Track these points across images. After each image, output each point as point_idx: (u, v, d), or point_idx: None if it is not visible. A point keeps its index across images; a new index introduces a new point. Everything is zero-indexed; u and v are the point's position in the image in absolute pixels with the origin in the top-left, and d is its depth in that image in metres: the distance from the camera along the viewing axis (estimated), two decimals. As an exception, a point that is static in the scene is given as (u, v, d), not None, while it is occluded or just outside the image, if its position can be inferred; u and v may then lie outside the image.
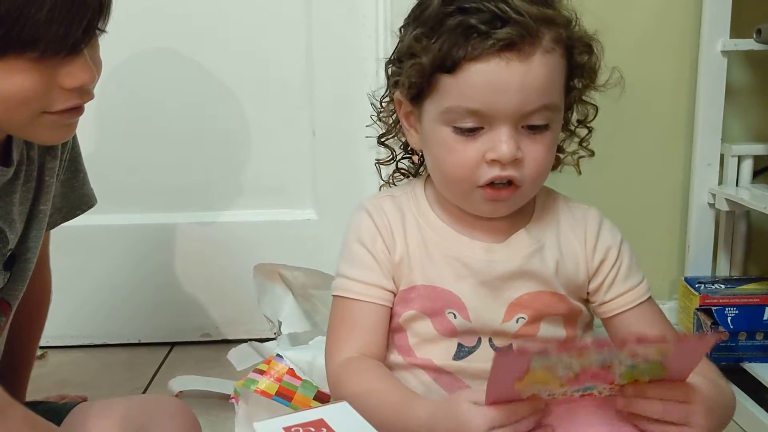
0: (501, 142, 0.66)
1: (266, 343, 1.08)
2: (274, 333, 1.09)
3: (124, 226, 1.35)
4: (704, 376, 0.62)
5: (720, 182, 1.21)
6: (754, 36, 1.11)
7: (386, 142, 0.82)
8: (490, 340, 0.72)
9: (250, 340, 1.35)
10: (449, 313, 0.72)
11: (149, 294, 1.37)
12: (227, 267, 1.37)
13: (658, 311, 0.75)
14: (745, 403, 1.05)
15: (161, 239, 1.37)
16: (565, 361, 0.53)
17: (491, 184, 0.68)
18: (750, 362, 1.10)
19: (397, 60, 0.74)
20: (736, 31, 1.15)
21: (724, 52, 1.16)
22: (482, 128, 0.67)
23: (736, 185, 1.20)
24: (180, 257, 1.37)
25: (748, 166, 1.20)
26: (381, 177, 0.85)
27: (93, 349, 1.36)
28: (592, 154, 0.78)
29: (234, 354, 1.07)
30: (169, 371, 1.27)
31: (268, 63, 1.31)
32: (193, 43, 1.30)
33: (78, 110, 0.72)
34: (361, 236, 0.75)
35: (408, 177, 0.83)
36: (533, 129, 0.68)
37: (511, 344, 0.71)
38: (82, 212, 0.94)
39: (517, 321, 0.71)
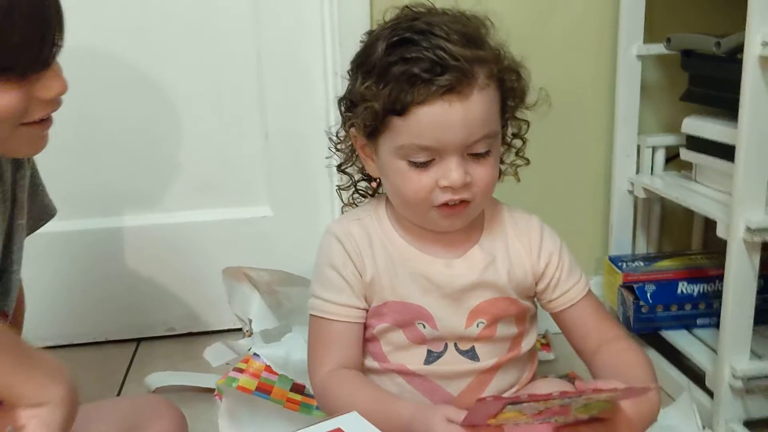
0: (451, 170, 0.75)
1: (240, 341, 1.16)
2: (247, 331, 1.18)
3: (85, 231, 1.39)
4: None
5: (637, 171, 1.34)
6: (664, 44, 1.24)
7: (345, 170, 0.90)
8: (455, 344, 0.82)
9: (214, 332, 1.44)
10: (419, 324, 0.81)
11: (112, 293, 1.42)
12: (188, 264, 1.43)
13: (596, 302, 0.87)
14: (662, 365, 1.20)
15: (122, 241, 1.42)
16: (533, 405, 0.63)
17: (445, 204, 0.78)
18: (667, 330, 1.25)
19: (349, 101, 0.82)
20: (650, 37, 1.27)
21: (639, 56, 1.28)
22: (433, 159, 0.76)
23: (651, 173, 1.33)
24: (142, 257, 1.43)
25: (661, 155, 1.33)
26: (342, 200, 0.93)
27: (60, 349, 1.40)
28: (527, 162, 0.88)
29: (209, 352, 1.16)
30: (140, 367, 1.33)
31: (220, 68, 1.36)
32: (142, 48, 1.33)
33: (49, 121, 0.78)
34: (333, 261, 0.83)
35: (365, 197, 0.92)
36: (478, 155, 0.77)
37: (473, 347, 0.82)
38: (45, 222, 0.99)
39: (477, 326, 0.82)
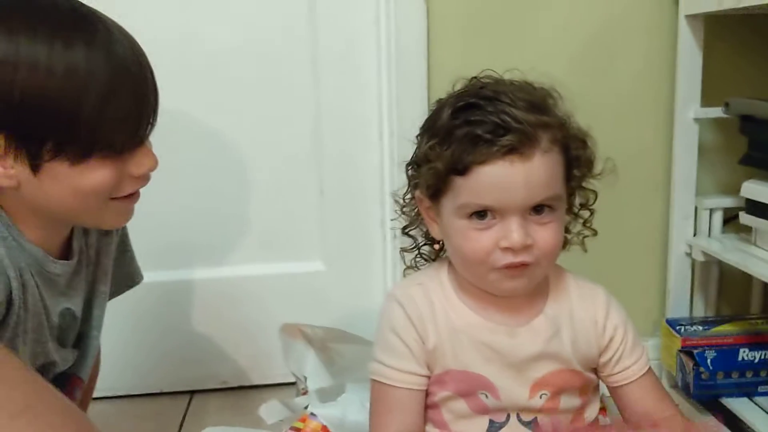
0: (512, 231, 0.75)
1: (296, 399, 1.17)
2: (302, 389, 1.18)
3: (143, 284, 1.42)
4: None
5: (695, 233, 1.33)
6: (723, 108, 1.24)
7: (409, 233, 0.90)
8: (518, 414, 0.81)
9: (266, 385, 1.45)
10: (481, 393, 0.81)
11: (169, 346, 1.44)
12: (242, 318, 1.45)
13: (655, 380, 0.86)
14: (724, 434, 1.18)
15: (177, 294, 1.44)
16: None
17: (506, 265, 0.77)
18: (727, 398, 1.22)
19: (415, 164, 0.83)
20: (707, 100, 1.28)
21: (696, 119, 1.28)
22: (495, 220, 0.76)
23: (709, 236, 1.32)
24: (197, 310, 1.45)
25: (719, 217, 1.32)
26: (405, 262, 0.93)
27: (117, 400, 1.43)
28: (595, 233, 0.87)
29: (265, 409, 1.16)
30: (194, 420, 1.34)
31: (279, 128, 1.39)
32: (205, 105, 1.36)
33: (137, 195, 0.81)
34: (395, 327, 0.83)
35: (428, 261, 0.92)
36: (540, 217, 0.77)
37: (535, 418, 0.81)
38: (128, 289, 1.01)
39: (541, 397, 0.81)
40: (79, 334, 0.89)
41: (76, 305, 0.85)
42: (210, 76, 1.36)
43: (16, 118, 0.69)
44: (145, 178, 0.79)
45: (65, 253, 0.84)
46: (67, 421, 0.65)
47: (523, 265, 0.77)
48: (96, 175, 0.73)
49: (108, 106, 0.71)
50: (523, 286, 0.80)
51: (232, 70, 1.36)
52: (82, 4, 0.74)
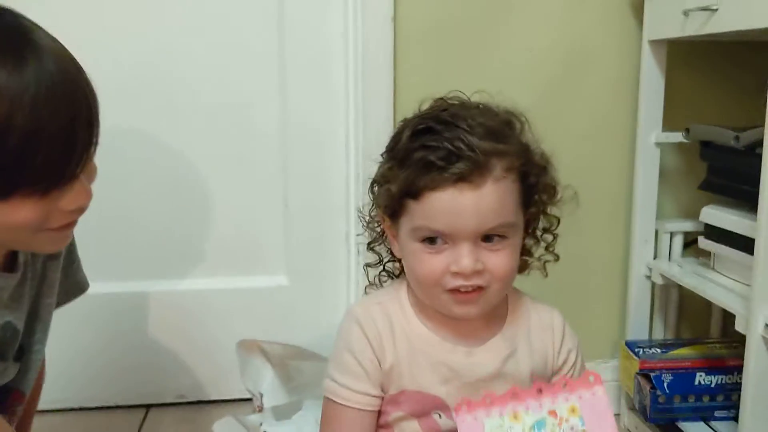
0: (462, 256, 0.76)
1: (250, 416, 1.15)
2: (257, 406, 1.17)
3: (102, 295, 1.37)
4: None
5: (655, 256, 1.34)
6: (683, 134, 1.25)
7: (374, 248, 0.90)
8: None
9: (223, 401, 1.43)
10: (435, 414, 0.81)
11: (127, 358, 1.42)
12: (202, 331, 1.43)
13: None
14: (679, 458, 1.19)
15: (136, 306, 1.42)
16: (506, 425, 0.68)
17: (457, 289, 0.77)
18: (684, 422, 1.23)
19: (377, 183, 0.84)
20: (669, 125, 1.29)
21: (657, 144, 1.30)
22: (447, 244, 0.77)
23: (669, 259, 1.33)
24: (156, 323, 1.43)
25: (679, 241, 1.34)
26: (368, 278, 0.93)
27: (69, 413, 1.40)
28: (557, 258, 0.88)
29: (219, 426, 1.15)
30: (150, 435, 1.33)
31: (245, 140, 1.39)
32: (170, 119, 1.36)
33: (73, 223, 0.77)
34: (351, 346, 0.82)
35: (392, 278, 0.91)
36: (492, 244, 0.77)
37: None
38: (75, 297, 0.98)
39: None
40: (20, 347, 0.86)
41: (18, 318, 0.83)
42: (174, 88, 1.35)
43: None
44: (77, 212, 0.75)
45: (10, 265, 0.81)
46: None
47: (479, 289, 0.78)
48: (19, 213, 0.69)
49: (28, 150, 0.66)
50: (475, 311, 0.80)
51: (198, 83, 1.36)
52: (22, 24, 0.69)
